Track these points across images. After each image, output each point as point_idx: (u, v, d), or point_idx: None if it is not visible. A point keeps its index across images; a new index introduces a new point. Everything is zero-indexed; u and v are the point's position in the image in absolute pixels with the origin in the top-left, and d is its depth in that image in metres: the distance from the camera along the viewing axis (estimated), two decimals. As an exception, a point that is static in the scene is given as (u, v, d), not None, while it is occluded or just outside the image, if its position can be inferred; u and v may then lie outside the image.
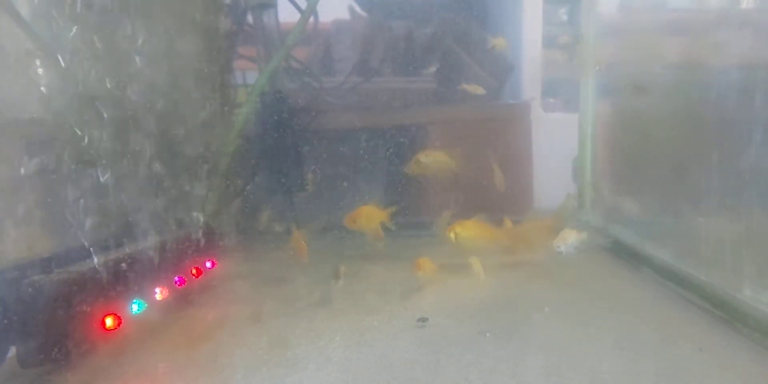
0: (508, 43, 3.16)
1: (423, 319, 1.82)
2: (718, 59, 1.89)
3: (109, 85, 1.77)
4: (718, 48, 1.90)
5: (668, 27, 2.34)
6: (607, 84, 2.96)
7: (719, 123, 1.88)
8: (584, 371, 1.46)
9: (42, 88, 1.63)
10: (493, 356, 1.55)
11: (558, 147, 3.16)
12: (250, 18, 3.06)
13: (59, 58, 1.63)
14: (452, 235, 1.94)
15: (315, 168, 2.96)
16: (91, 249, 1.63)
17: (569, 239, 2.08)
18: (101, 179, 1.69)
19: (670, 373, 1.46)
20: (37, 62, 1.61)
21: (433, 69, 3.37)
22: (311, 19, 3.03)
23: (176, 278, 2.10)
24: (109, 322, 1.65)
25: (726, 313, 1.76)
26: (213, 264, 2.44)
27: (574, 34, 3.11)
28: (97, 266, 1.62)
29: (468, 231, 1.97)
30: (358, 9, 3.64)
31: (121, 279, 1.73)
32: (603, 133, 3.03)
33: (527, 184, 3.29)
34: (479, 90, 3.09)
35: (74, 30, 1.67)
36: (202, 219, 2.42)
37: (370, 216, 2.30)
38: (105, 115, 1.72)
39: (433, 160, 2.48)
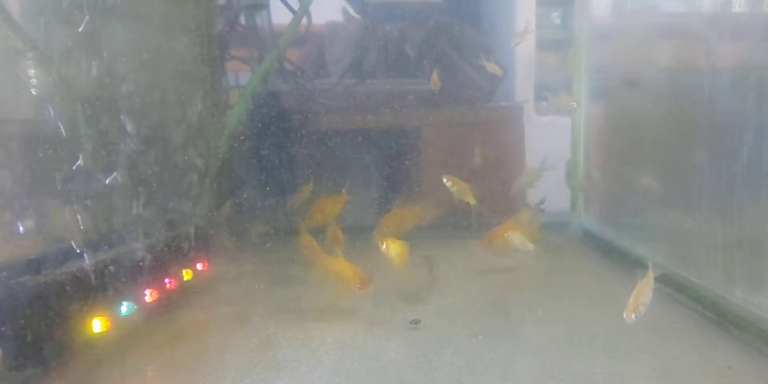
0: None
1: (415, 321, 1.81)
2: (710, 62, 1.90)
3: (97, 85, 1.75)
4: (709, 51, 1.91)
5: (660, 30, 2.35)
6: (599, 87, 2.97)
7: (711, 126, 1.88)
8: (576, 373, 1.46)
9: (31, 89, 1.62)
10: (485, 358, 1.54)
11: (551, 149, 3.16)
12: (242, 19, 3.05)
13: (49, 57, 1.62)
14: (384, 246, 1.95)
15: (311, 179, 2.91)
16: (80, 251, 1.61)
17: (644, 302, 1.54)
18: (88, 181, 1.67)
19: (661, 374, 1.46)
20: (27, 62, 1.60)
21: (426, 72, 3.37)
22: (304, 21, 3.02)
23: (166, 279, 2.07)
24: (96, 324, 1.62)
25: (718, 314, 1.76)
26: (204, 265, 2.42)
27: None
28: (85, 268, 1.60)
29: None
30: (351, 11, 3.64)
31: (110, 281, 1.71)
32: (595, 135, 3.03)
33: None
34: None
35: (64, 30, 1.66)
36: (193, 220, 2.40)
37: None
38: (93, 115, 1.71)
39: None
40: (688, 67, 2.09)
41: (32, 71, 1.64)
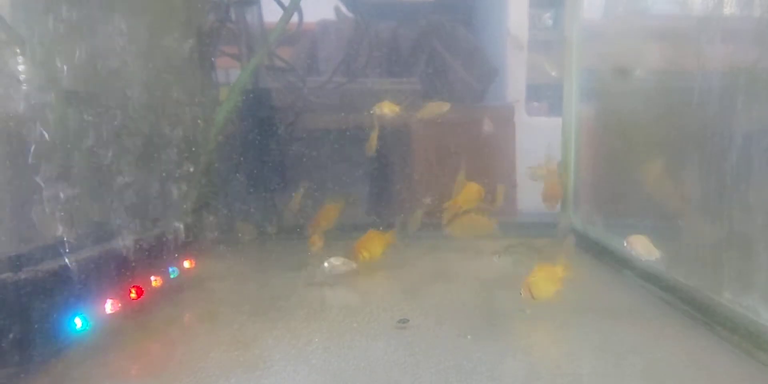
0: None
1: (403, 321, 1.80)
2: (700, 64, 1.91)
3: (84, 80, 1.72)
4: (699, 53, 1.91)
5: (651, 32, 2.35)
6: (590, 88, 2.97)
7: (701, 127, 1.89)
8: (565, 374, 1.45)
9: (21, 84, 1.59)
10: (473, 358, 1.53)
11: (542, 150, 3.16)
12: (233, 15, 3.02)
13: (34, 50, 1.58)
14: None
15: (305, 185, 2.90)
16: (61, 247, 1.58)
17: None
18: (73, 177, 1.64)
19: (650, 375, 1.46)
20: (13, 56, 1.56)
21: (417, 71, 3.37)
22: (296, 18, 3.00)
23: (152, 277, 2.05)
24: (79, 322, 1.60)
25: (706, 316, 1.76)
26: (191, 263, 2.39)
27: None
28: (67, 265, 1.57)
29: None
30: (343, 9, 3.63)
31: (93, 277, 1.68)
32: (586, 136, 3.04)
33: (511, 186, 3.28)
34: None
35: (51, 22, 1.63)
36: (180, 218, 2.38)
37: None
38: (79, 111, 1.68)
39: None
40: (679, 68, 2.09)
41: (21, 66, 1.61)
